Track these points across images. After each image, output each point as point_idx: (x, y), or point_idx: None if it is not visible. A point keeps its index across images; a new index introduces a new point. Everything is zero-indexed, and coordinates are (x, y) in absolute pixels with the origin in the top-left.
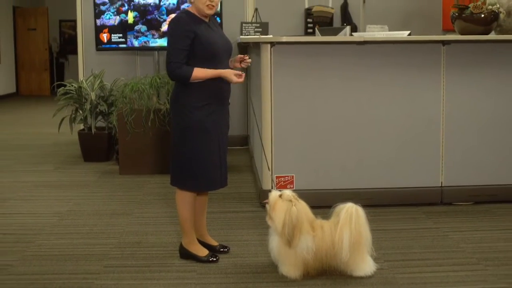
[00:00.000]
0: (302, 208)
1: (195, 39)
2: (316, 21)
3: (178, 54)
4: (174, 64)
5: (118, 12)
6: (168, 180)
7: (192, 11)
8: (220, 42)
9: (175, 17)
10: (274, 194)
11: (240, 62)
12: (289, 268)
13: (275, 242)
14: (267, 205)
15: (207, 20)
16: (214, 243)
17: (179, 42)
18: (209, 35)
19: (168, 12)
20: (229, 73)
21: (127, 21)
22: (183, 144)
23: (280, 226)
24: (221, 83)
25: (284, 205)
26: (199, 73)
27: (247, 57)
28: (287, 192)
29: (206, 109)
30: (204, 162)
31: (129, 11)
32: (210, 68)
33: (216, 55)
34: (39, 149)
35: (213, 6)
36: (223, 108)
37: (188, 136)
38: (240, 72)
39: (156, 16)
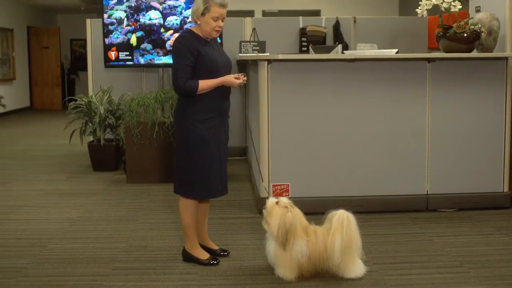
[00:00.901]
0: (297, 214)
1: (198, 57)
2: (310, 40)
3: (184, 70)
4: (181, 79)
5: (125, 31)
6: (172, 188)
7: (195, 31)
8: (221, 60)
9: (179, 36)
10: (271, 200)
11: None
12: (285, 270)
13: (271, 246)
14: (264, 211)
15: (208, 39)
16: (215, 247)
17: (184, 59)
18: (211, 54)
19: (174, 31)
20: (230, 78)
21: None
22: (185, 155)
23: (275, 230)
24: (222, 98)
25: (280, 211)
26: (204, 84)
27: (244, 77)
28: (283, 199)
29: (208, 122)
30: (205, 172)
31: (133, 33)
32: None
33: (217, 72)
34: (51, 160)
35: (219, 30)
36: (223, 121)
37: (191, 147)
38: (238, 75)
39: (161, 35)
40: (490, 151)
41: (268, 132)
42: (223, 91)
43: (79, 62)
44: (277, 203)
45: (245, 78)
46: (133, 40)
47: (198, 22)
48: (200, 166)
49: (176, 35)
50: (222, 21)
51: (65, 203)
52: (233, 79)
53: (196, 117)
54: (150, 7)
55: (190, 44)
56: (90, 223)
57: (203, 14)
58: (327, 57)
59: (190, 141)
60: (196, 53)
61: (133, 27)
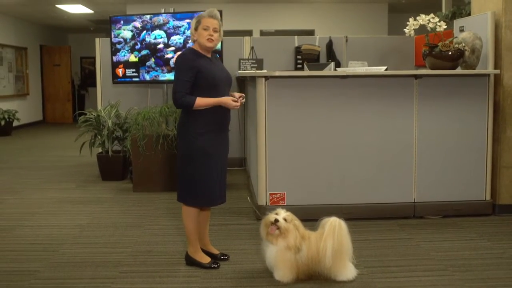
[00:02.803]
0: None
1: (199, 73)
2: (305, 57)
3: (183, 85)
4: (179, 93)
5: (132, 50)
6: (175, 196)
7: (196, 48)
8: (221, 75)
9: (181, 53)
10: (281, 219)
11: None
12: (285, 272)
13: (273, 250)
14: (277, 230)
15: (209, 55)
16: (216, 251)
17: (184, 75)
18: (211, 69)
19: (176, 49)
20: (227, 100)
21: (139, 58)
22: (188, 166)
23: (293, 242)
24: (222, 113)
25: (290, 225)
26: (201, 102)
27: (242, 99)
28: (287, 214)
29: (209, 135)
30: (206, 182)
31: (132, 54)
32: (212, 98)
33: (217, 86)
34: (62, 170)
35: (212, 40)
36: (224, 134)
37: (193, 159)
38: (236, 98)
39: (165, 53)
40: (473, 161)
41: (266, 143)
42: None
43: (88, 78)
44: (285, 219)
45: (243, 100)
46: (132, 58)
47: (195, 39)
48: (201, 176)
49: (179, 52)
50: (214, 32)
51: (76, 210)
52: (230, 101)
53: (198, 130)
54: (155, 27)
55: (190, 61)
56: (99, 229)
57: (196, 28)
58: (320, 74)
59: (192, 152)
60: (195, 69)
61: (139, 45)
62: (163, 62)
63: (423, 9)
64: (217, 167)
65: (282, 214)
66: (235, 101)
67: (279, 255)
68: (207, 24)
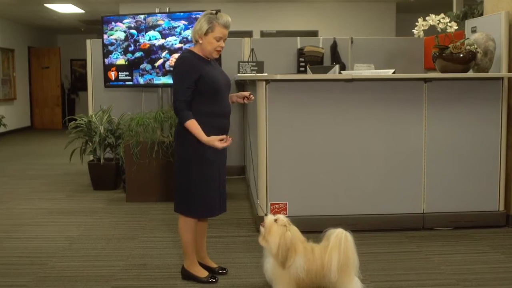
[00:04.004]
0: (295, 232)
1: (200, 78)
2: (308, 60)
3: (183, 92)
4: (179, 102)
5: (125, 52)
6: (171, 207)
7: (195, 51)
8: (222, 79)
9: (180, 56)
10: (270, 218)
11: (243, 99)
12: (283, 287)
13: (269, 264)
14: (262, 228)
15: (208, 59)
16: (214, 265)
17: (184, 81)
18: (211, 74)
19: (171, 52)
20: (214, 141)
21: (133, 60)
22: (186, 175)
23: (275, 249)
24: (222, 118)
25: (279, 229)
26: (193, 126)
27: (252, 96)
28: (282, 217)
29: None
30: (205, 191)
31: (126, 56)
32: (212, 104)
33: (219, 91)
34: (52, 178)
35: (220, 51)
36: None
37: (191, 167)
38: (224, 137)
39: (160, 55)
40: (485, 170)
41: (266, 151)
42: (224, 111)
43: (79, 82)
44: (275, 220)
45: (252, 98)
46: (120, 62)
47: (200, 42)
48: (200, 186)
49: (176, 55)
50: (224, 41)
51: (65, 221)
52: (217, 142)
53: (196, 137)
54: (149, 28)
55: (190, 66)
56: (90, 241)
57: (206, 33)
58: (324, 77)
59: (191, 160)
60: (197, 75)
61: (132, 47)
62: (158, 65)
63: (433, 8)
64: (217, 176)
65: (280, 218)
66: (221, 140)
67: (276, 268)
68: (220, 35)
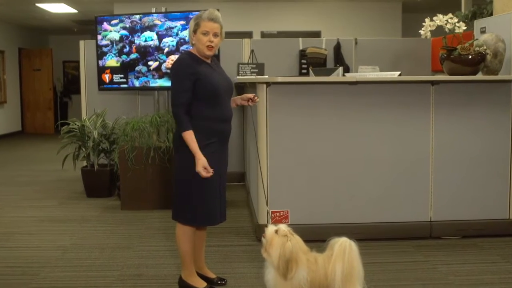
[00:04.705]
0: (297, 242)
1: (198, 81)
2: (310, 62)
3: (181, 96)
4: (177, 107)
5: (119, 53)
6: (168, 215)
7: (193, 52)
8: (222, 83)
9: (178, 58)
10: (270, 229)
11: (248, 101)
12: None
13: (271, 275)
14: (263, 239)
15: (208, 60)
16: (212, 275)
17: (182, 84)
18: (211, 76)
19: (168, 53)
20: (199, 167)
21: (129, 62)
22: (185, 181)
23: (276, 261)
24: (223, 123)
25: (280, 240)
26: (189, 139)
27: (257, 98)
28: (283, 227)
29: (208, 148)
30: (205, 199)
31: (120, 57)
32: (212, 107)
33: (218, 95)
34: (43, 185)
35: (213, 47)
36: (224, 146)
37: (191, 173)
38: (209, 169)
39: (156, 57)
40: (495, 176)
41: (267, 156)
42: (225, 115)
43: (72, 84)
44: (276, 231)
45: (257, 99)
46: (112, 63)
47: (193, 42)
48: (200, 193)
49: (173, 56)
50: (215, 37)
51: (58, 230)
52: (200, 167)
53: (197, 143)
54: (145, 28)
55: (188, 67)
56: (83, 251)
57: (195, 31)
58: (327, 80)
59: (190, 166)
60: (194, 77)
61: (127, 48)
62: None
63: (441, 8)
64: (217, 182)
65: (281, 228)
66: (206, 169)
67: (278, 280)
68: (206, 29)
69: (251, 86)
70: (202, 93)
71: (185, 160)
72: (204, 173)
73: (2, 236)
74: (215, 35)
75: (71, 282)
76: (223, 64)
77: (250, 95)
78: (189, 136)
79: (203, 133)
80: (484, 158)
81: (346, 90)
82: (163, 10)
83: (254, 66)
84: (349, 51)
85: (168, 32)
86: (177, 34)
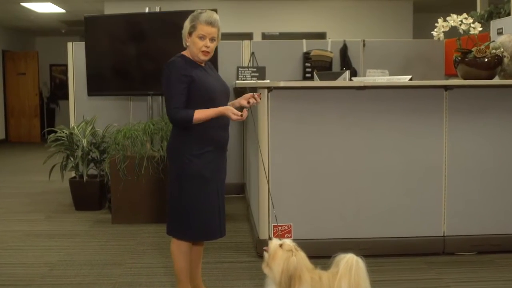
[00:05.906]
0: (302, 258)
1: (192, 84)
2: (315, 65)
3: (177, 99)
4: (174, 110)
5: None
6: (162, 229)
7: (187, 55)
8: (217, 86)
9: (170, 61)
10: (274, 243)
11: (248, 102)
12: None
13: None
14: (265, 253)
15: (202, 64)
16: None
17: (176, 87)
18: (205, 79)
19: None
20: (229, 111)
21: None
22: (181, 193)
23: (278, 276)
24: (220, 130)
25: (284, 254)
26: (201, 114)
27: (260, 94)
28: (288, 242)
29: (205, 157)
30: (203, 211)
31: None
32: None
33: (214, 99)
34: (29, 197)
35: (208, 52)
36: (222, 155)
37: (187, 184)
38: (237, 112)
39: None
40: None
41: (268, 166)
42: (221, 122)
43: (59, 90)
44: (281, 245)
45: (260, 99)
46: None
47: (188, 44)
48: (197, 205)
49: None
50: (212, 42)
51: (44, 245)
52: (231, 113)
53: (192, 152)
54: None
55: (181, 70)
56: (71, 267)
57: (190, 34)
58: (333, 85)
59: (185, 177)
60: (188, 79)
61: (119, 51)
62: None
63: (455, 8)
64: (215, 194)
65: (286, 243)
66: (236, 114)
67: None
68: (202, 33)
69: (252, 91)
70: (196, 97)
71: (180, 171)
72: (236, 116)
73: None
74: (212, 39)
75: None
76: (221, 67)
77: (252, 94)
78: (199, 115)
79: (198, 141)
80: (501, 168)
81: (353, 95)
82: (157, 9)
83: (255, 70)
84: (356, 54)
85: None
86: None
